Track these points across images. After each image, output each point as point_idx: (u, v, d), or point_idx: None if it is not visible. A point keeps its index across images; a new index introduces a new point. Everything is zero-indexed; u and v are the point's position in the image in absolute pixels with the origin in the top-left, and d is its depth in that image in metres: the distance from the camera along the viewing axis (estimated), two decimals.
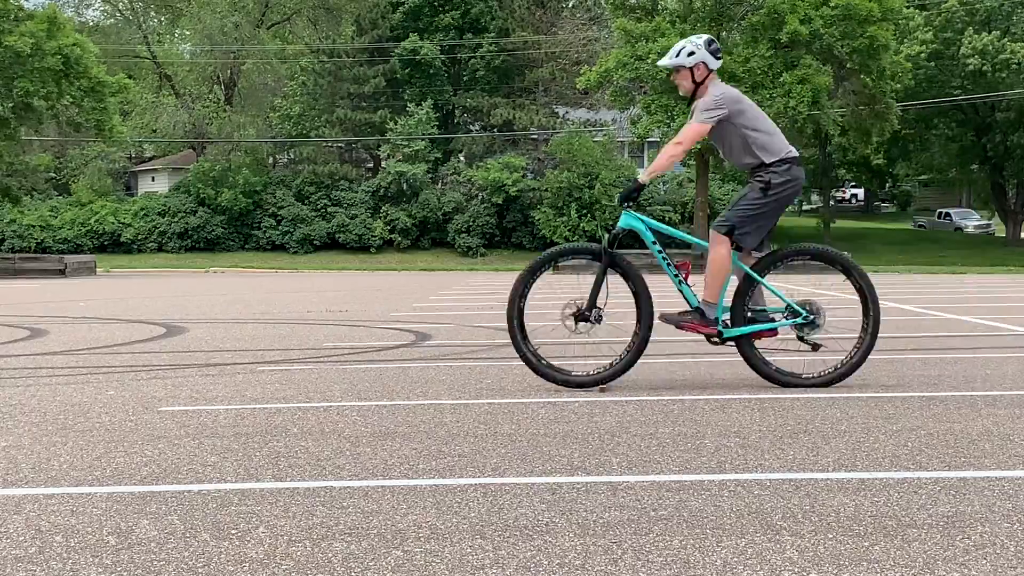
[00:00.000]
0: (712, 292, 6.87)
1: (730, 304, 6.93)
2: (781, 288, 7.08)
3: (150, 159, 65.67)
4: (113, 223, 53.36)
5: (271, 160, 58.01)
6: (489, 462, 4.69)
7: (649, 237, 7.05)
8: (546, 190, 49.41)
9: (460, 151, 56.33)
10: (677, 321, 6.94)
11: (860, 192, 79.49)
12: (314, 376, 7.85)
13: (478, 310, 15.59)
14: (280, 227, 52.95)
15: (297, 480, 4.39)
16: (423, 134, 51.84)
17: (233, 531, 3.63)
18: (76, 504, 4.03)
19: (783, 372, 6.92)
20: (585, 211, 48.88)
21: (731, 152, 7.02)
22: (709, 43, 6.98)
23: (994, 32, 49.80)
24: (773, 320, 6.93)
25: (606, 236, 7.10)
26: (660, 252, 7.08)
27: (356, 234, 51.90)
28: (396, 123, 52.26)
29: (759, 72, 40.59)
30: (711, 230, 6.93)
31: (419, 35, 54.38)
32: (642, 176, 7.09)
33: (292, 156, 56.41)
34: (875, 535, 3.50)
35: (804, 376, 6.90)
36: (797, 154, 7.00)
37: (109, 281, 33.52)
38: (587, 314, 6.98)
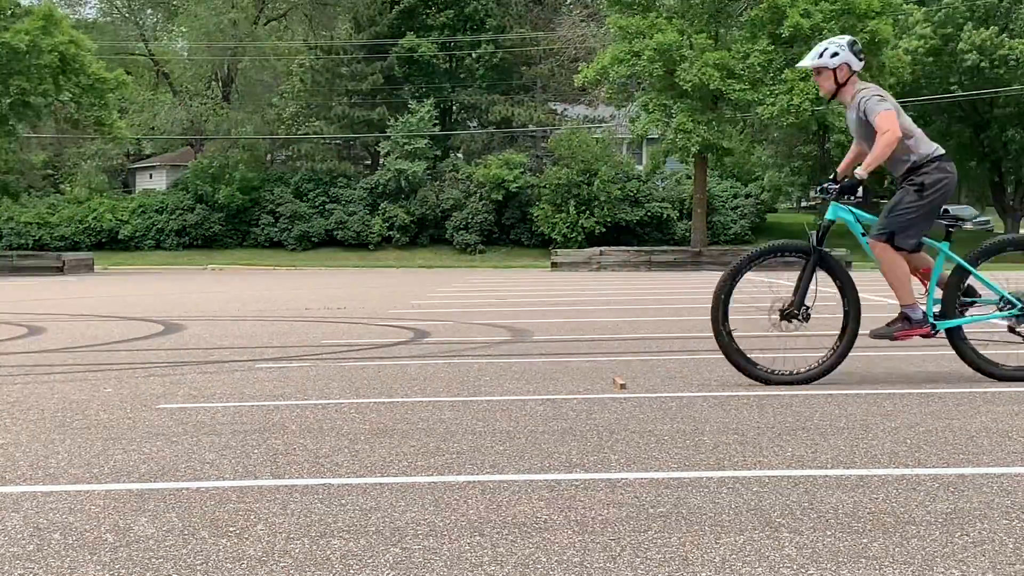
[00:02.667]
0: (903, 295, 6.88)
1: (941, 297, 6.92)
2: (994, 279, 7.03)
3: (148, 156, 65.62)
4: (111, 220, 53.32)
5: (269, 157, 57.99)
6: (487, 459, 4.69)
7: (858, 229, 7.02)
8: (544, 187, 49.40)
9: (458, 148, 56.31)
10: (888, 334, 6.94)
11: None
12: (312, 373, 7.85)
13: (476, 307, 15.59)
14: (278, 224, 52.92)
15: (295, 477, 4.39)
16: (424, 132, 51.80)
17: (231, 528, 3.63)
18: (74, 501, 4.03)
19: (992, 363, 6.87)
20: (584, 208, 48.85)
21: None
22: (852, 44, 6.96)
23: (992, 28, 49.80)
24: (995, 310, 6.93)
25: (814, 233, 7.06)
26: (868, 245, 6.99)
27: (354, 231, 51.88)
28: (397, 120, 52.23)
29: (759, 68, 40.56)
30: (869, 239, 6.89)
31: (416, 33, 54.33)
32: (859, 171, 6.88)
33: (290, 153, 56.38)
34: (874, 532, 3.50)
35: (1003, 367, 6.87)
36: (944, 151, 6.98)
37: (107, 278, 33.50)
38: (796, 312, 6.97)
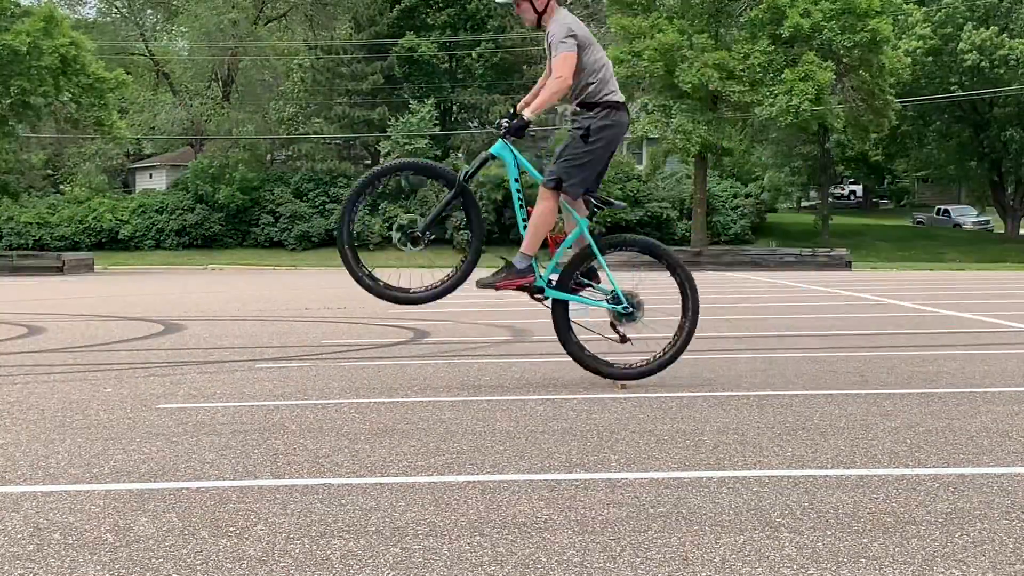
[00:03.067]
0: (530, 244, 6.79)
1: (562, 267, 6.87)
2: (615, 273, 6.96)
3: (148, 156, 65.64)
4: (111, 220, 53.33)
5: (269, 157, 57.99)
6: (487, 459, 4.69)
7: (514, 173, 6.90)
8: None
9: (459, 148, 56.32)
10: (491, 283, 6.85)
11: (859, 189, 79.51)
12: (312, 373, 7.85)
13: (476, 307, 15.58)
14: (278, 224, 52.94)
15: (295, 477, 4.39)
16: (424, 132, 51.78)
17: (231, 528, 3.63)
18: (74, 501, 4.03)
19: (595, 357, 6.87)
20: None
21: (573, 79, 6.80)
22: None
23: (992, 28, 49.81)
24: (602, 300, 6.88)
25: (464, 167, 7.01)
26: (518, 191, 6.94)
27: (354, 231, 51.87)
28: (397, 120, 52.24)
29: (758, 68, 40.55)
30: (540, 185, 6.81)
31: (416, 32, 54.33)
32: (527, 113, 6.81)
33: (290, 153, 56.41)
34: (874, 532, 3.50)
35: (615, 365, 6.86)
36: (622, 99, 6.87)
37: (107, 278, 33.50)
38: (420, 235, 6.99)
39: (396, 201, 51.77)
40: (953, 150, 55.98)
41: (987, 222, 64.27)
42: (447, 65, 56.06)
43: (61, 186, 57.76)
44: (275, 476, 4.42)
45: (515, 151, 6.90)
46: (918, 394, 6.44)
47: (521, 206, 6.91)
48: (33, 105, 39.20)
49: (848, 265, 38.16)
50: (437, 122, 52.95)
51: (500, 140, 6.86)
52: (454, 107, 57.20)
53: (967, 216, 65.11)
